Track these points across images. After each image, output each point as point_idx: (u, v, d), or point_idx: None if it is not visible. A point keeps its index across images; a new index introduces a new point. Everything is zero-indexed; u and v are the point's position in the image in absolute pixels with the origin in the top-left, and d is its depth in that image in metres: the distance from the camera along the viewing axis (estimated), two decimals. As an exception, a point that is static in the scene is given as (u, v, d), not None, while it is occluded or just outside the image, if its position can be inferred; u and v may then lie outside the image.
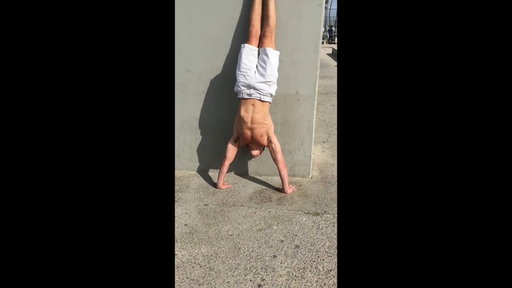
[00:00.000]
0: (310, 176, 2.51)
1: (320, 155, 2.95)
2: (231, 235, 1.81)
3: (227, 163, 2.25)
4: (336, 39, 15.99)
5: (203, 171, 2.58)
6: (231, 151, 2.24)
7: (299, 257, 1.63)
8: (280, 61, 2.14)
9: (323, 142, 3.30)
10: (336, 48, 12.90)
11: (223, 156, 2.26)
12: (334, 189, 2.33)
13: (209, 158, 2.51)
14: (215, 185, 2.35)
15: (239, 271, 1.53)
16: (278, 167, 2.19)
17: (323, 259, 1.62)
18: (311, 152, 2.43)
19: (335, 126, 3.81)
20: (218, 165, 2.32)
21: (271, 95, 2.08)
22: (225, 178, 2.42)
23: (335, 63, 9.77)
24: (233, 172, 2.53)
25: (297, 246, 1.71)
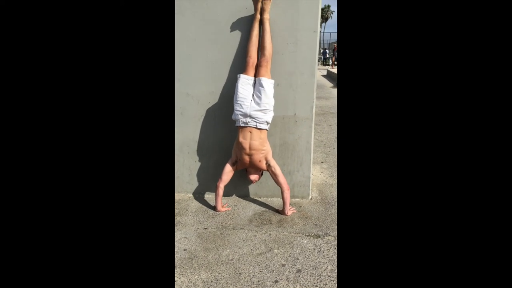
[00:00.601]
0: (310, 197, 2.50)
1: (319, 176, 2.95)
2: (231, 259, 1.77)
3: (222, 185, 2.24)
4: (330, 61, 16.45)
5: (201, 194, 2.56)
6: (228, 174, 2.25)
7: (301, 282, 1.59)
8: (278, 84, 2.19)
9: (321, 162, 3.32)
10: (332, 70, 13.26)
11: (218, 178, 2.26)
12: (334, 210, 2.32)
13: (208, 181, 2.51)
14: (214, 207, 2.34)
15: (240, 298, 1.49)
16: (281, 189, 2.19)
17: (326, 284, 1.58)
18: (310, 173, 2.43)
19: (333, 146, 3.84)
20: (216, 190, 2.31)
21: (268, 123, 2.13)
22: (224, 200, 2.40)
23: (330, 84, 9.98)
24: (232, 194, 2.51)
25: (298, 270, 1.68)
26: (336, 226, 2.09)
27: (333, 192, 2.61)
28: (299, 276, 1.64)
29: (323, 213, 2.27)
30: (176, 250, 1.87)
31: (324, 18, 45.09)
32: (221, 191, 2.25)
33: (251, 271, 1.67)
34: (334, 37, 25.74)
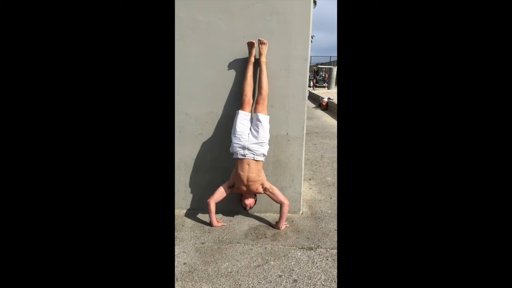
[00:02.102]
0: (301, 212, 2.63)
1: (307, 192, 3.10)
2: (230, 272, 1.85)
3: (213, 202, 2.32)
4: (311, 82, 17.16)
5: (196, 210, 2.63)
6: (221, 194, 2.35)
7: (298, 291, 1.69)
8: (272, 106, 2.37)
9: (309, 179, 3.48)
10: (313, 91, 13.82)
11: (210, 194, 2.34)
12: (324, 224, 2.45)
13: (203, 197, 2.58)
14: (208, 223, 2.41)
15: (242, 307, 1.57)
16: (282, 205, 2.31)
17: (321, 292, 1.69)
18: (301, 189, 2.58)
19: (319, 164, 4.03)
20: (207, 207, 2.36)
21: (264, 155, 2.29)
22: (218, 216, 2.49)
23: (313, 105, 10.39)
24: (226, 210, 2.60)
25: (295, 281, 1.78)
26: (327, 239, 2.23)
27: (322, 207, 2.76)
28: (296, 286, 1.74)
29: (314, 227, 2.41)
30: (176, 264, 1.92)
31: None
32: (213, 207, 2.34)
33: (250, 283, 1.76)
34: (314, 60, 26.87)
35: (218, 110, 2.45)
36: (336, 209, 2.72)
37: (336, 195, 3.03)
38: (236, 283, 1.75)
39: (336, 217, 2.56)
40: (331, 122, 7.62)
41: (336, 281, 1.78)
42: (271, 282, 1.77)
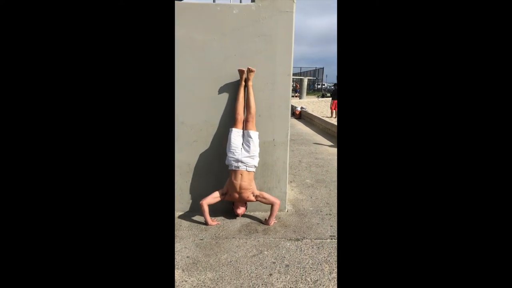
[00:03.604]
0: (286, 210, 2.94)
1: (290, 193, 3.42)
2: (230, 261, 2.10)
3: (205, 204, 2.56)
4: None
5: (191, 212, 2.84)
6: (214, 198, 2.60)
7: (291, 273, 1.98)
8: (259, 115, 2.68)
9: (290, 182, 3.81)
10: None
11: (204, 197, 2.58)
12: (307, 219, 2.77)
13: (197, 199, 2.80)
14: (204, 223, 2.64)
15: (244, 288, 1.82)
16: (273, 205, 2.61)
17: (310, 273, 1.99)
18: (286, 189, 2.89)
19: (298, 168, 4.38)
20: (200, 208, 2.58)
21: (255, 166, 2.62)
22: (212, 217, 2.72)
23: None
24: (218, 211, 2.84)
25: (287, 265, 2.07)
26: (311, 232, 2.54)
27: (304, 205, 3.09)
28: (288, 269, 2.02)
29: (299, 222, 2.72)
30: (180, 258, 2.13)
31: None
32: (206, 207, 2.57)
33: (248, 269, 2.02)
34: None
35: (211, 119, 2.71)
36: (316, 207, 3.06)
37: (315, 195, 3.38)
38: (237, 270, 2.00)
39: (316, 214, 2.90)
40: (305, 130, 8.10)
41: (323, 264, 2.08)
42: (266, 267, 2.04)
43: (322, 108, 13.97)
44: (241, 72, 2.59)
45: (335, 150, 5.76)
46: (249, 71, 2.58)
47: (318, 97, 24.62)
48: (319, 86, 31.56)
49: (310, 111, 10.48)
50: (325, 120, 8.44)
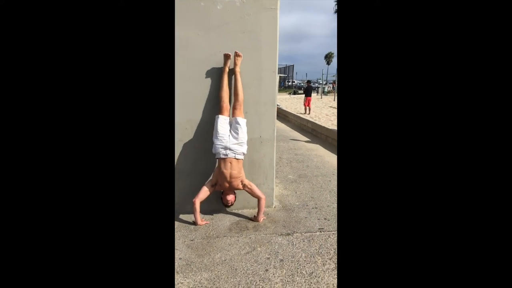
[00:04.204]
0: (274, 206, 2.96)
1: (275, 189, 3.45)
2: (225, 260, 2.08)
3: (198, 201, 2.53)
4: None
5: (178, 212, 2.77)
6: (205, 193, 2.56)
7: (286, 267, 2.01)
8: (246, 112, 2.67)
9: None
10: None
11: (195, 195, 2.54)
12: (295, 214, 2.82)
13: (185, 200, 2.74)
14: (192, 223, 2.58)
15: (242, 285, 1.82)
16: (259, 199, 2.59)
17: (304, 266, 2.03)
18: (273, 185, 2.92)
19: (279, 165, 4.43)
20: (192, 206, 2.56)
21: (244, 154, 2.57)
22: (200, 216, 2.67)
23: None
24: (206, 210, 2.80)
25: (281, 260, 2.09)
26: (300, 226, 2.59)
27: (290, 200, 3.14)
28: (283, 264, 2.05)
29: (287, 217, 2.75)
30: (172, 260, 2.07)
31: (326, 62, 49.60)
32: (198, 206, 2.53)
33: (244, 266, 2.01)
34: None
35: (196, 117, 2.66)
36: (302, 201, 3.12)
37: (299, 190, 3.45)
38: (232, 268, 1.99)
39: (303, 208, 2.95)
40: (281, 127, 8.20)
41: (316, 256, 2.14)
42: (261, 264, 2.04)
43: (295, 104, 14.22)
44: (226, 56, 2.53)
45: (312, 145, 5.90)
46: (236, 55, 2.52)
47: (289, 94, 25.00)
48: (289, 83, 32.13)
49: (284, 108, 10.61)
50: (300, 117, 8.60)
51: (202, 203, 2.57)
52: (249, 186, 2.59)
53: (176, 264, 2.02)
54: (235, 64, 2.56)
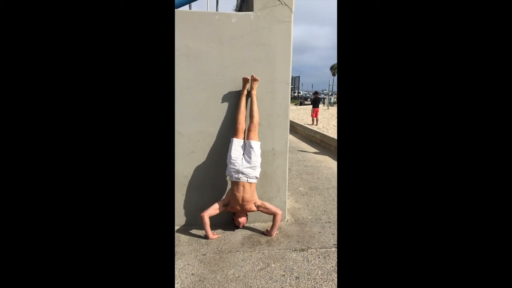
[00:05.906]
0: (286, 220, 2.90)
1: (287, 202, 3.39)
2: (238, 277, 2.01)
3: (207, 215, 2.48)
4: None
5: (188, 226, 2.72)
6: (215, 210, 2.52)
7: (302, 285, 1.93)
8: (260, 124, 2.64)
9: (284, 190, 3.79)
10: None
11: (205, 209, 2.50)
12: (308, 228, 2.75)
13: (194, 213, 2.70)
14: (203, 237, 2.53)
15: (258, 305, 1.75)
16: (275, 215, 2.54)
17: (321, 284, 1.96)
18: (286, 198, 2.86)
19: (289, 176, 4.37)
20: (201, 220, 2.48)
21: (256, 177, 2.55)
22: (212, 230, 2.62)
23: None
24: (218, 223, 2.74)
25: (297, 277, 2.02)
26: (314, 241, 2.52)
27: (302, 214, 3.07)
28: (299, 282, 1.97)
29: (300, 232, 2.68)
30: (184, 276, 2.02)
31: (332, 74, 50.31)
32: (207, 220, 2.48)
33: (258, 284, 1.94)
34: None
35: (209, 129, 2.64)
36: (314, 215, 3.05)
37: (311, 203, 3.38)
38: (247, 285, 1.92)
39: (316, 222, 2.88)
40: (290, 138, 8.12)
41: (333, 274, 2.06)
42: (277, 281, 1.97)
43: (302, 115, 14.20)
44: (245, 80, 2.55)
45: (321, 157, 5.84)
46: (253, 79, 2.54)
47: (296, 104, 25.05)
48: (295, 94, 32.29)
49: (291, 119, 10.60)
50: (308, 128, 8.57)
51: (213, 216, 2.53)
52: (263, 206, 2.56)
53: (189, 280, 1.97)
54: (251, 87, 2.57)
